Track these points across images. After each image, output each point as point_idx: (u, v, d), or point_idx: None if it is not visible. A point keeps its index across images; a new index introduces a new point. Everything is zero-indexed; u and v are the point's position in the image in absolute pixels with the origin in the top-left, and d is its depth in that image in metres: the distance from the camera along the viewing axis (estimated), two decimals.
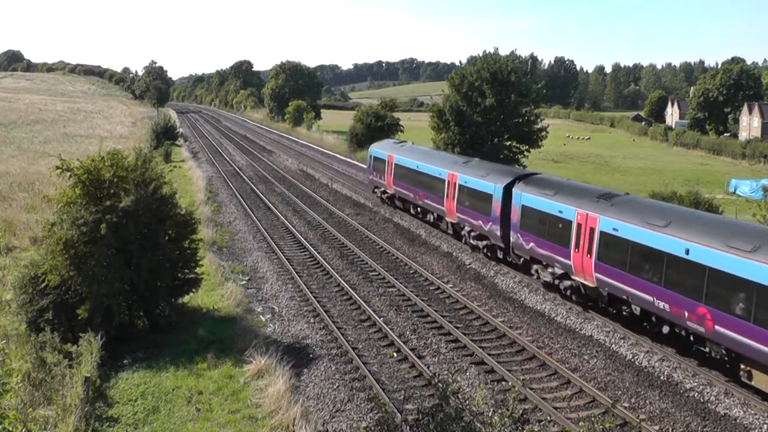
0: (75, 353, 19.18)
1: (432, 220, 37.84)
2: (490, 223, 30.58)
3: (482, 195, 31.42)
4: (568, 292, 25.46)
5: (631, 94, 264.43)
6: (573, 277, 25.08)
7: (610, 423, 12.39)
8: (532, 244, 27.45)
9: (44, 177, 46.37)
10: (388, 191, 43.97)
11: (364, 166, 69.94)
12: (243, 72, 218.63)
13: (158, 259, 21.95)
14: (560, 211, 25.68)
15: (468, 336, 22.87)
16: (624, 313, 22.95)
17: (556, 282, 26.07)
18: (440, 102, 59.95)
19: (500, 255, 30.78)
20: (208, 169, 66.22)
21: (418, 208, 39.57)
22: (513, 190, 29.05)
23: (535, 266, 27.77)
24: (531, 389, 18.89)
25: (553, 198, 26.38)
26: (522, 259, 28.80)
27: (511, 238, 29.18)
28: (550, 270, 26.47)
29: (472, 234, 32.62)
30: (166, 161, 66.54)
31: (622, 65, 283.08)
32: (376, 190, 46.78)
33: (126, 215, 21.14)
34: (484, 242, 31.64)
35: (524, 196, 28.15)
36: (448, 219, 35.26)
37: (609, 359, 21.31)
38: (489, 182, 31.08)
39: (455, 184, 34.04)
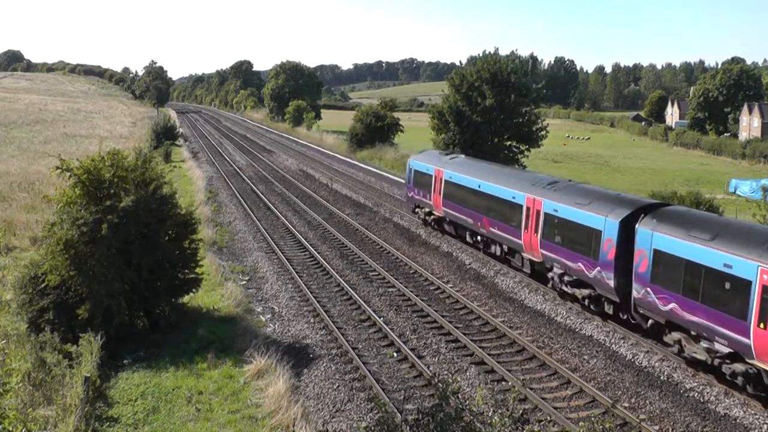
0: (75, 353, 19.17)
1: (499, 253, 30.67)
2: (598, 268, 23.45)
3: (584, 230, 24.26)
4: (739, 380, 18.40)
5: (631, 94, 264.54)
6: (752, 361, 17.87)
7: (610, 423, 12.39)
8: (673, 305, 20.18)
9: (44, 177, 46.38)
10: (434, 213, 36.76)
11: (365, 167, 70.18)
12: (243, 72, 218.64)
13: (158, 259, 21.96)
14: (728, 265, 18.29)
15: (468, 336, 22.87)
16: None
17: (717, 362, 19.06)
18: (440, 102, 59.97)
19: (609, 310, 23.59)
20: (208, 169, 66.22)
21: (478, 237, 32.47)
22: (637, 227, 21.78)
23: (676, 334, 20.49)
24: (531, 389, 18.89)
25: (712, 244, 18.94)
26: (651, 322, 21.60)
27: (633, 293, 21.85)
28: (705, 344, 19.29)
29: (566, 279, 25.47)
30: (166, 161, 66.54)
31: (622, 65, 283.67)
32: (417, 210, 39.33)
33: (126, 215, 21.13)
34: (586, 291, 24.42)
35: (658, 237, 20.80)
36: (526, 255, 28.21)
37: (609, 359, 21.31)
38: (595, 214, 23.83)
39: (539, 212, 27.00)
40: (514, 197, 28.83)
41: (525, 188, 28.53)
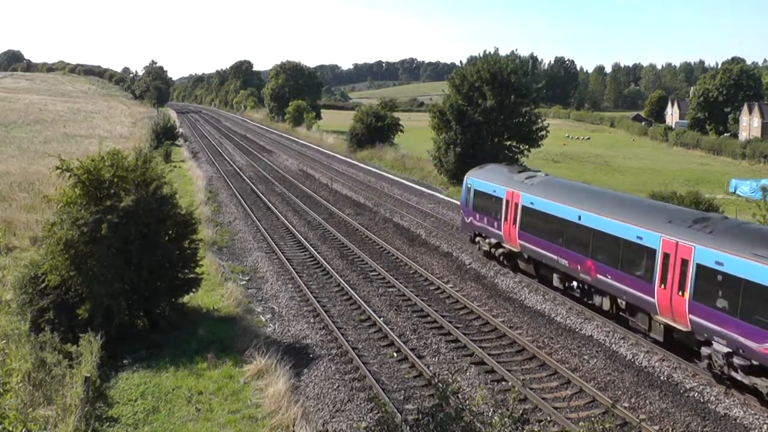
0: (75, 353, 19.19)
1: (608, 307, 23.72)
2: None
3: None
4: None
5: (631, 94, 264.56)
6: None
7: (610, 423, 12.39)
8: None
9: (44, 177, 46.38)
10: (505, 246, 29.78)
11: (365, 167, 70.20)
12: (243, 72, 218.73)
13: (158, 259, 21.99)
14: None
15: (468, 336, 22.87)
16: None
17: None
18: (441, 102, 60.00)
19: None
20: (208, 169, 66.24)
21: (575, 283, 25.55)
22: None
23: None
24: (531, 389, 18.89)
25: None
26: None
27: None
28: None
29: (737, 362, 18.27)
30: (166, 161, 66.55)
31: (622, 65, 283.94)
32: (479, 240, 32.35)
33: (126, 215, 21.15)
34: None
35: None
36: (661, 319, 20.94)
37: (609, 359, 21.31)
38: None
39: (686, 262, 19.80)
40: (640, 237, 21.67)
41: (658, 226, 21.32)
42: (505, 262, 30.40)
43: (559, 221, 25.93)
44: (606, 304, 23.84)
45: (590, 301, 24.87)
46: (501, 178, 31.11)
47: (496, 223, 30.22)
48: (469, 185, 33.10)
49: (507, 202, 29.43)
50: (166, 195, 22.86)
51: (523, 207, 28.28)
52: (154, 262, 21.86)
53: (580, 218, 24.73)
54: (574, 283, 25.62)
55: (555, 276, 26.81)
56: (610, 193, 27.81)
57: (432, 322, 24.42)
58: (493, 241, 30.79)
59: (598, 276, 23.68)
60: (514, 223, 28.81)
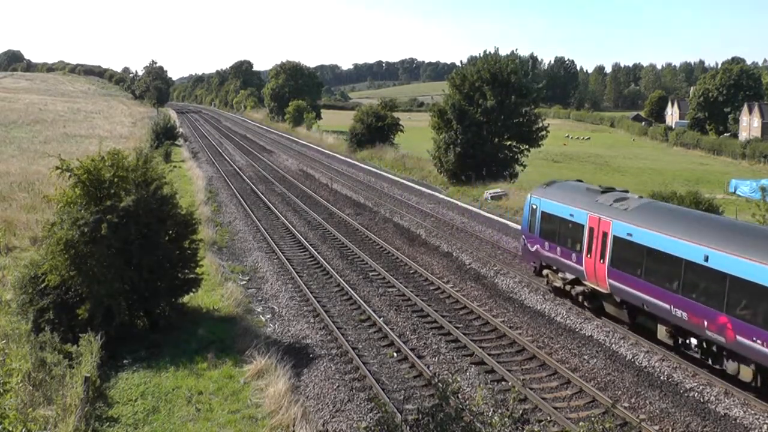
0: (75, 353, 19.18)
1: (753, 380, 18.23)
2: None
3: None
4: None
5: (631, 94, 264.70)
6: None
7: (610, 423, 12.39)
8: None
9: (44, 177, 46.38)
10: (588, 284, 24.32)
11: (365, 167, 70.22)
12: (243, 72, 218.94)
13: (158, 259, 21.97)
14: None
15: (468, 336, 22.87)
16: None
17: None
18: (441, 101, 60.06)
19: None
20: (208, 169, 66.25)
21: (692, 339, 20.18)
22: None
23: None
24: (531, 389, 18.88)
25: None
26: None
27: None
28: None
29: None
30: (166, 161, 66.52)
31: (622, 65, 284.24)
32: (547, 273, 27.00)
33: (126, 215, 21.15)
34: None
35: None
36: None
37: (609, 359, 21.31)
38: None
39: None
40: None
41: None
42: (585, 303, 24.84)
43: (673, 260, 20.17)
44: (747, 374, 18.36)
45: (718, 366, 19.42)
46: (579, 199, 25.38)
47: (574, 256, 24.80)
48: (534, 206, 27.49)
49: (591, 230, 23.92)
50: (166, 195, 22.86)
51: (616, 238, 22.63)
52: (154, 262, 21.85)
53: (707, 259, 18.95)
54: (693, 341, 20.19)
55: (662, 328, 21.35)
56: (750, 225, 21.50)
57: (432, 322, 24.41)
58: (569, 276, 25.35)
59: (739, 338, 18.03)
60: (602, 257, 23.26)
